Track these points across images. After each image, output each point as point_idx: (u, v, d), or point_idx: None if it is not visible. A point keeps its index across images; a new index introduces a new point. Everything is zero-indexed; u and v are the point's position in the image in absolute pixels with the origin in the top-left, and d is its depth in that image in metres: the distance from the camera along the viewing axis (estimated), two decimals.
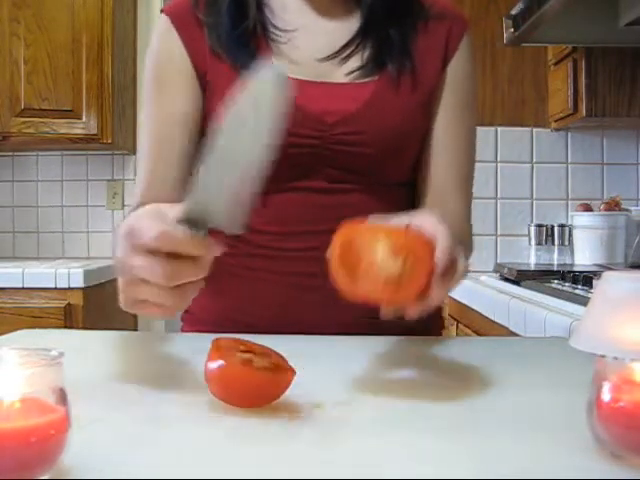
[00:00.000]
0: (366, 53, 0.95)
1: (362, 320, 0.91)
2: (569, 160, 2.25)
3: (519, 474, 0.44)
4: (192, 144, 0.93)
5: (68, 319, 2.27)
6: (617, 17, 1.69)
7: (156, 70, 0.96)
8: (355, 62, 0.95)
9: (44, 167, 2.86)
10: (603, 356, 0.46)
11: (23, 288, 2.29)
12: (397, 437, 0.51)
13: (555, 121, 2.18)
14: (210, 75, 0.93)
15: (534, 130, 2.24)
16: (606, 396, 0.45)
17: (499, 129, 2.24)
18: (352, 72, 0.94)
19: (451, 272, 0.62)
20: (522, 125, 2.24)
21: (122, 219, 0.89)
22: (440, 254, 0.60)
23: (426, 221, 0.64)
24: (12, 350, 0.44)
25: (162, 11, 0.98)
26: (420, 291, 0.59)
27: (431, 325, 1.00)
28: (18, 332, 0.93)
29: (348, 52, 0.95)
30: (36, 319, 2.25)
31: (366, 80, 0.94)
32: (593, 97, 1.97)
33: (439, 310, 1.07)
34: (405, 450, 0.48)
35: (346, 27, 0.96)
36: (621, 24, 1.70)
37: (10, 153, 2.84)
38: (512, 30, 1.86)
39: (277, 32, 0.94)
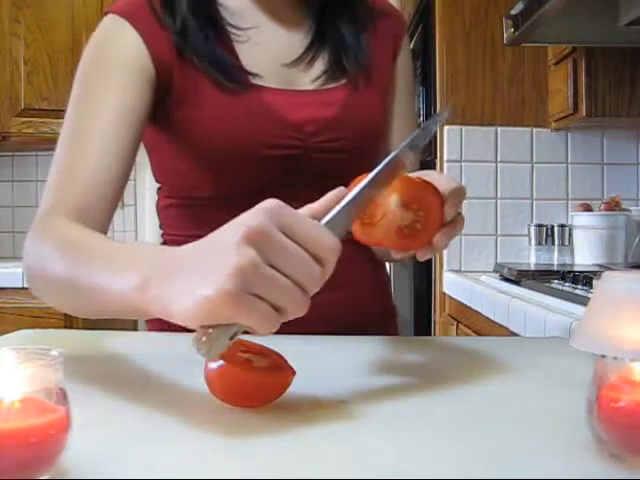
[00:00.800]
0: (327, 57, 0.96)
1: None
2: (569, 160, 2.25)
3: (518, 474, 0.44)
4: (132, 144, 0.86)
5: (68, 319, 2.27)
6: (617, 17, 1.69)
7: (105, 64, 0.87)
8: (318, 67, 0.95)
9: (44, 167, 2.86)
10: (603, 356, 0.46)
11: (23, 288, 2.29)
12: (397, 437, 0.51)
13: (555, 121, 2.18)
14: (177, 78, 0.88)
15: (534, 130, 2.24)
16: (606, 396, 0.46)
17: (499, 129, 2.24)
18: (318, 78, 0.94)
19: (457, 223, 0.67)
20: (522, 125, 2.24)
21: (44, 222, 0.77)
22: (449, 209, 0.65)
23: (437, 177, 0.68)
24: (12, 350, 0.44)
25: (107, 12, 0.90)
26: (429, 240, 0.65)
27: (383, 315, 1.04)
28: (18, 332, 0.93)
29: (310, 57, 0.95)
30: (36, 319, 2.25)
31: (333, 85, 0.95)
32: (593, 97, 1.97)
33: (389, 301, 1.07)
34: (405, 449, 0.48)
35: (300, 31, 0.97)
36: (621, 24, 1.69)
37: (10, 153, 2.84)
38: (512, 30, 1.86)
39: (235, 30, 0.92)
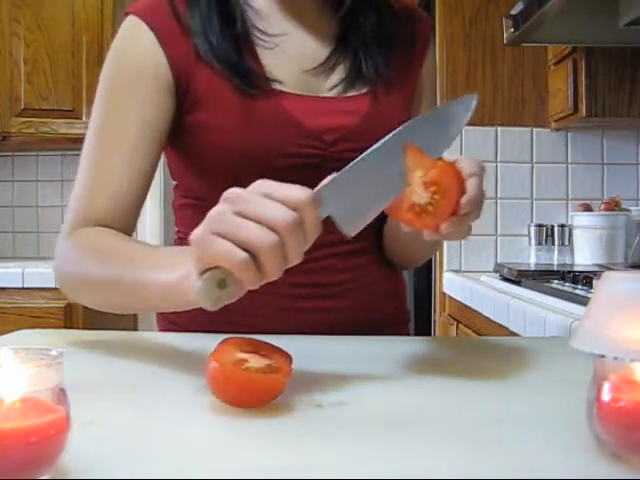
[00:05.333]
0: (348, 64, 0.93)
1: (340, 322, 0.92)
2: (569, 160, 2.25)
3: (518, 474, 0.44)
4: (153, 157, 0.88)
5: (68, 319, 2.27)
6: (617, 17, 1.69)
7: (124, 74, 0.88)
8: (338, 74, 0.93)
9: (44, 167, 2.86)
10: (603, 356, 0.46)
11: (23, 288, 2.29)
12: (397, 437, 0.51)
13: (555, 121, 2.18)
14: (194, 82, 0.87)
15: (534, 130, 2.24)
16: (606, 396, 0.45)
17: (499, 129, 2.24)
18: (336, 85, 0.92)
19: (471, 216, 0.68)
20: (522, 125, 2.24)
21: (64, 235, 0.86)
22: (467, 204, 0.66)
23: (468, 163, 0.69)
24: (12, 350, 0.44)
25: (128, 13, 0.89)
26: (437, 225, 0.65)
27: (397, 319, 1.03)
28: (18, 332, 0.93)
29: (332, 63, 0.93)
30: (36, 319, 2.25)
31: (353, 94, 0.92)
32: (593, 97, 1.97)
33: (403, 305, 1.06)
34: (405, 450, 0.48)
35: (326, 37, 0.95)
36: (621, 24, 1.70)
37: (10, 153, 2.84)
38: (512, 30, 1.86)
39: (262, 36, 0.90)
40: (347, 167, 0.61)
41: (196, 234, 0.58)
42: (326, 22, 0.95)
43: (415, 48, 1.00)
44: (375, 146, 0.63)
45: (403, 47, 0.98)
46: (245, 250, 0.56)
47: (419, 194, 0.64)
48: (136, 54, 0.88)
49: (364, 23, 0.94)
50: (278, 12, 0.93)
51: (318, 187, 0.60)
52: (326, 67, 0.93)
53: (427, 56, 1.02)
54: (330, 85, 0.93)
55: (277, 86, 0.89)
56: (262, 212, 0.56)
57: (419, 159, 0.64)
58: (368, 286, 0.96)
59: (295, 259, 0.58)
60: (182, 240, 0.99)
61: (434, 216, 0.65)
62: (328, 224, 0.89)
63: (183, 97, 0.88)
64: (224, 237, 0.56)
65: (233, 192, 0.58)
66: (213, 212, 0.58)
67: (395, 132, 0.64)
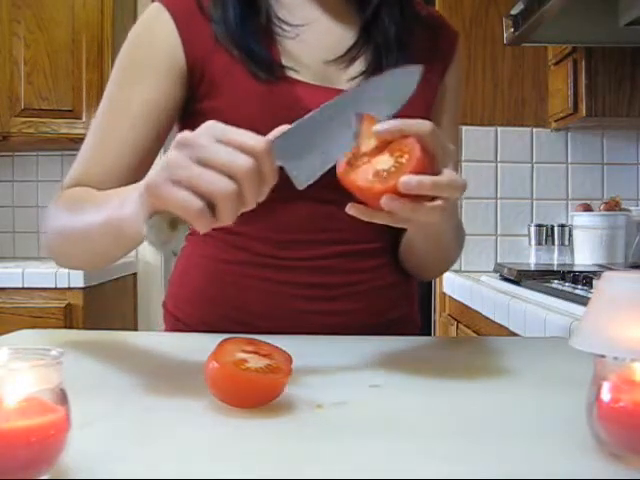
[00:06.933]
0: (369, 57, 0.94)
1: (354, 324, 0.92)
2: (569, 160, 2.25)
3: (519, 474, 0.44)
4: (155, 136, 0.90)
5: (68, 319, 2.27)
6: (617, 17, 1.69)
7: (138, 56, 0.90)
8: (358, 66, 0.93)
9: (44, 167, 2.86)
10: (603, 356, 0.46)
11: (23, 288, 2.29)
12: (397, 437, 0.51)
13: (555, 121, 2.18)
14: (210, 67, 0.88)
15: (534, 130, 2.24)
16: (606, 396, 0.45)
17: (499, 129, 2.24)
18: (354, 78, 0.92)
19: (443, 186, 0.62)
20: (522, 125, 2.24)
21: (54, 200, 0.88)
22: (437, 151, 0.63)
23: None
24: (12, 350, 0.44)
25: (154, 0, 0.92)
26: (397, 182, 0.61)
27: (407, 323, 1.01)
28: (18, 332, 0.93)
29: (354, 55, 0.93)
30: (36, 319, 2.25)
31: None
32: (593, 97, 1.97)
33: (414, 310, 1.05)
34: (405, 450, 0.48)
35: (351, 27, 0.95)
36: (621, 24, 1.70)
37: (10, 153, 2.84)
38: (512, 30, 1.86)
39: (284, 26, 0.91)
40: (298, 121, 0.62)
41: (151, 180, 0.57)
42: (351, 15, 0.96)
43: (437, 55, 0.99)
44: (326, 104, 0.63)
45: (425, 52, 0.97)
46: (201, 197, 0.56)
47: (384, 162, 0.62)
48: (153, 39, 0.90)
49: (388, 23, 0.94)
50: (302, 1, 0.94)
51: (270, 136, 0.60)
52: (348, 58, 0.93)
53: (452, 68, 1.01)
54: (349, 77, 0.93)
55: (292, 74, 0.90)
56: (220, 159, 0.56)
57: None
58: (380, 289, 0.96)
59: (251, 206, 0.58)
60: (193, 231, 0.98)
61: (396, 174, 0.61)
62: (332, 221, 0.89)
63: (198, 83, 0.90)
64: (181, 185, 0.56)
65: (186, 137, 0.57)
66: (169, 158, 0.57)
67: (345, 94, 0.64)
